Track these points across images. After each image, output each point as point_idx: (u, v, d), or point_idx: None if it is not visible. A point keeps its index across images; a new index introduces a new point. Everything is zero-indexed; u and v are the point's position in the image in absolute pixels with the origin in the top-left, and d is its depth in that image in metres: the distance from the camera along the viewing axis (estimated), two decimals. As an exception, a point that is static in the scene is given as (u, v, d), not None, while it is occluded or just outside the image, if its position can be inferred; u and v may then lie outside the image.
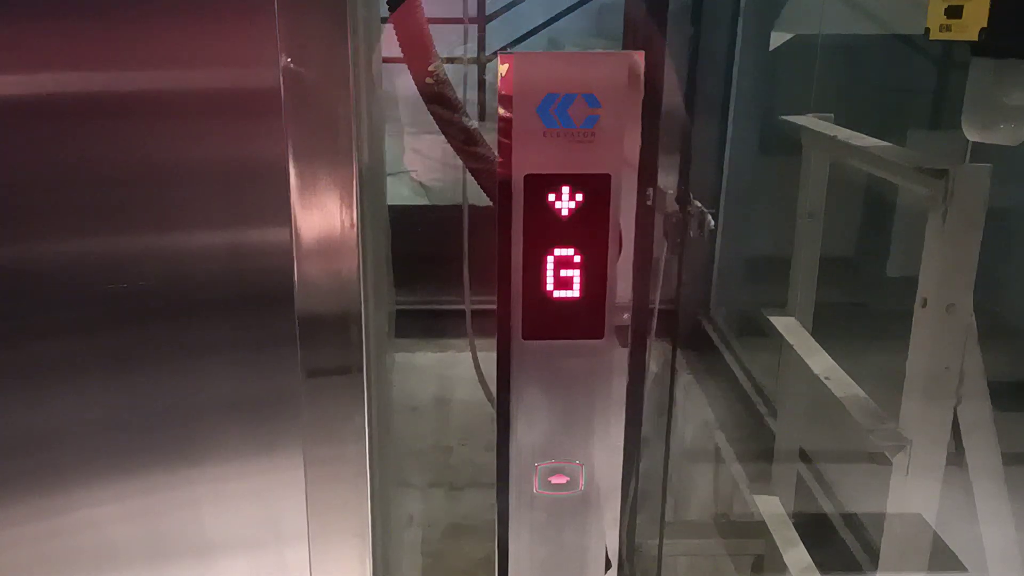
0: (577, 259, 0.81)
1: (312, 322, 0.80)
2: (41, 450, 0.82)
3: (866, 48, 3.23)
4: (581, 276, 0.82)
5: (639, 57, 0.77)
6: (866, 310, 3.26)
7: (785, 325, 1.69)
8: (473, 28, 3.37)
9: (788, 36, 3.19)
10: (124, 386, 0.82)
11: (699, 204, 1.72)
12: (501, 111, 0.78)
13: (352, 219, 0.78)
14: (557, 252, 0.81)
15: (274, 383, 0.82)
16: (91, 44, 0.74)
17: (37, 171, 0.76)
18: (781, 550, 1.67)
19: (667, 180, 1.62)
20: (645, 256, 1.69)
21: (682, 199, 1.65)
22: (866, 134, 1.56)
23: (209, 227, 0.79)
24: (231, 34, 0.74)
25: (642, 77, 0.78)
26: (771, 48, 3.20)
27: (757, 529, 1.98)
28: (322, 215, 0.78)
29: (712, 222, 1.74)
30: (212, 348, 0.82)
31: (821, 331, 1.82)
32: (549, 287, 0.82)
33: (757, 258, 3.29)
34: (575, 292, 0.82)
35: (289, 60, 0.73)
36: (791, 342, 1.63)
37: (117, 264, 0.79)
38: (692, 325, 3.48)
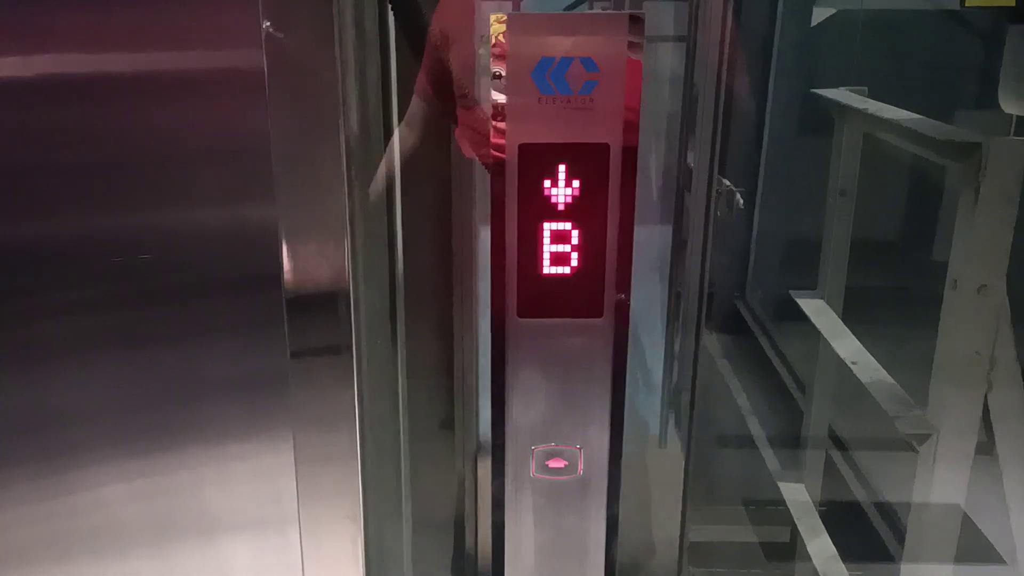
0: (575, 234, 0.77)
1: (299, 301, 0.78)
2: (48, 430, 0.83)
3: (911, 22, 3.13)
4: (579, 252, 0.78)
5: (639, 17, 0.73)
6: (910, 294, 3.18)
7: (813, 307, 1.64)
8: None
9: (831, 11, 3.10)
10: (129, 366, 0.81)
11: (728, 183, 1.67)
12: (494, 75, 0.74)
13: (342, 190, 0.76)
14: (553, 226, 0.77)
15: (273, 363, 0.81)
16: (82, 26, 0.73)
17: (29, 153, 0.76)
18: (805, 539, 1.62)
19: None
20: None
21: (710, 178, 1.61)
22: (911, 111, 1.50)
23: (207, 205, 0.79)
24: (218, 9, 0.73)
25: (643, 39, 0.73)
26: (813, 23, 3.12)
27: (785, 516, 1.93)
28: (306, 187, 0.75)
29: (741, 201, 1.69)
30: (213, 328, 0.81)
31: (861, 315, 1.77)
32: (545, 263, 0.78)
33: (796, 239, 3.22)
34: (572, 268, 0.78)
35: (269, 25, 0.70)
36: (818, 325, 1.58)
37: (117, 242, 0.78)
38: (727, 308, 3.43)
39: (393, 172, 0.97)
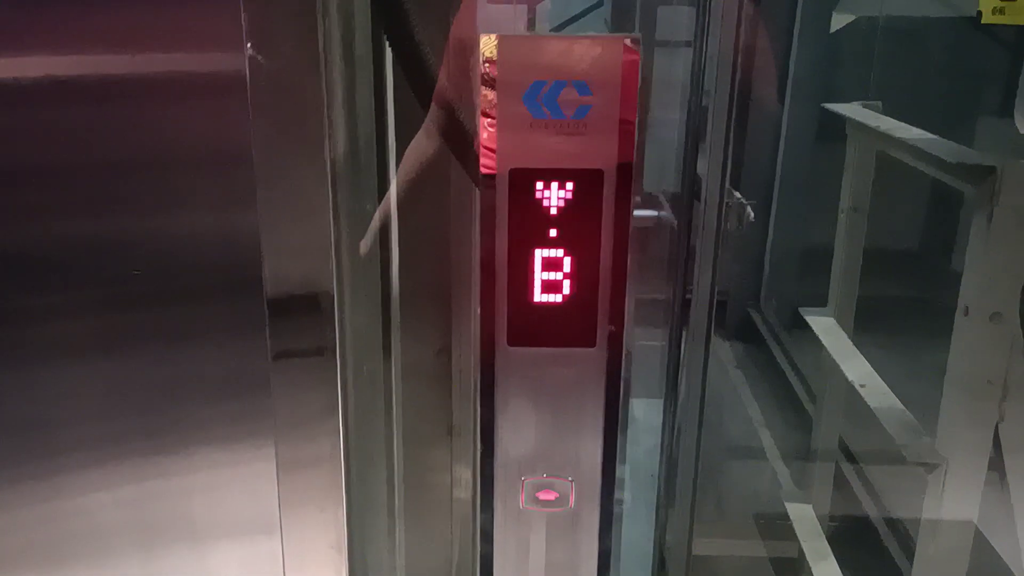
0: (567, 261, 0.75)
1: (281, 308, 0.76)
2: (33, 435, 0.80)
3: (934, 32, 3.09)
4: (571, 280, 0.76)
5: (634, 40, 0.71)
6: (928, 305, 3.15)
7: (823, 326, 1.60)
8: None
9: (850, 18, 3.06)
10: (116, 371, 0.79)
11: (739, 195, 1.65)
12: (484, 97, 0.72)
13: (326, 208, 0.74)
14: (545, 253, 0.75)
15: (262, 370, 0.78)
16: (70, 25, 0.71)
17: (13, 156, 0.73)
18: (810, 563, 1.59)
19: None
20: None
21: (721, 190, 1.58)
22: (931, 125, 1.47)
23: (194, 209, 0.76)
24: (206, 17, 0.70)
25: (639, 62, 0.71)
26: (832, 30, 3.08)
27: (792, 532, 1.91)
28: (288, 203, 0.74)
29: (752, 215, 1.66)
30: (201, 334, 0.79)
31: (877, 327, 1.74)
32: (536, 291, 0.76)
33: (811, 250, 3.20)
34: (564, 297, 0.76)
35: (250, 46, 0.69)
36: (827, 345, 1.55)
37: (107, 249, 0.76)
38: (741, 317, 3.41)
39: (388, 186, 0.96)
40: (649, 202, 1.81)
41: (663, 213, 1.76)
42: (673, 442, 1.80)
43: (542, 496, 0.83)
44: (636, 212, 0.75)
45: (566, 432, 0.81)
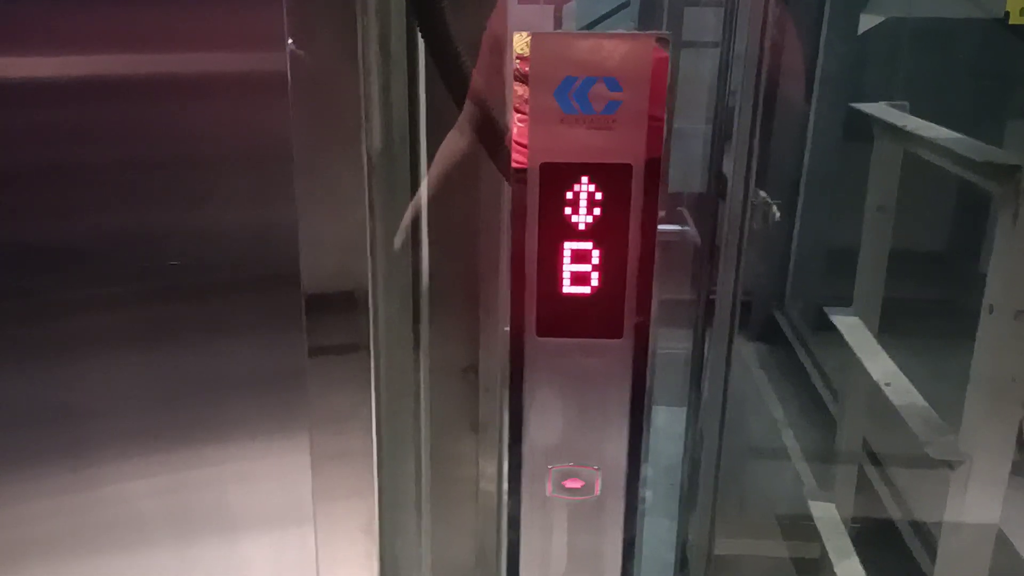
0: (595, 253, 0.77)
1: (318, 304, 0.78)
2: (73, 425, 0.83)
3: (961, 33, 3.07)
4: (599, 272, 0.77)
5: (665, 38, 0.72)
6: (954, 306, 3.12)
7: (847, 325, 1.61)
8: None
9: (879, 19, 3.05)
10: (153, 362, 0.82)
11: (764, 194, 1.65)
12: (516, 93, 0.73)
13: (363, 203, 0.76)
14: (574, 246, 0.77)
15: (295, 363, 0.80)
16: (112, 27, 0.74)
17: (58, 152, 0.76)
18: (833, 561, 1.59)
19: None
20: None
21: (746, 189, 1.58)
22: (958, 125, 1.47)
23: (231, 205, 0.79)
24: (246, 16, 0.73)
25: (668, 60, 0.72)
26: (860, 31, 3.06)
27: (815, 531, 1.90)
28: (326, 198, 0.75)
29: (777, 214, 1.67)
30: (237, 327, 0.82)
31: (902, 329, 1.74)
32: (565, 282, 0.78)
33: (837, 250, 3.17)
34: (592, 289, 0.78)
35: (291, 43, 0.71)
36: (852, 343, 1.55)
37: (146, 242, 0.79)
38: (766, 318, 3.39)
39: (419, 181, 0.98)
40: (673, 216, 1.82)
41: (687, 228, 1.77)
42: (696, 442, 1.81)
43: (568, 484, 0.84)
44: (660, 227, 0.76)
45: (592, 421, 0.82)
